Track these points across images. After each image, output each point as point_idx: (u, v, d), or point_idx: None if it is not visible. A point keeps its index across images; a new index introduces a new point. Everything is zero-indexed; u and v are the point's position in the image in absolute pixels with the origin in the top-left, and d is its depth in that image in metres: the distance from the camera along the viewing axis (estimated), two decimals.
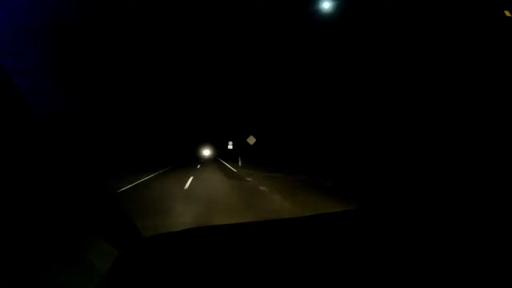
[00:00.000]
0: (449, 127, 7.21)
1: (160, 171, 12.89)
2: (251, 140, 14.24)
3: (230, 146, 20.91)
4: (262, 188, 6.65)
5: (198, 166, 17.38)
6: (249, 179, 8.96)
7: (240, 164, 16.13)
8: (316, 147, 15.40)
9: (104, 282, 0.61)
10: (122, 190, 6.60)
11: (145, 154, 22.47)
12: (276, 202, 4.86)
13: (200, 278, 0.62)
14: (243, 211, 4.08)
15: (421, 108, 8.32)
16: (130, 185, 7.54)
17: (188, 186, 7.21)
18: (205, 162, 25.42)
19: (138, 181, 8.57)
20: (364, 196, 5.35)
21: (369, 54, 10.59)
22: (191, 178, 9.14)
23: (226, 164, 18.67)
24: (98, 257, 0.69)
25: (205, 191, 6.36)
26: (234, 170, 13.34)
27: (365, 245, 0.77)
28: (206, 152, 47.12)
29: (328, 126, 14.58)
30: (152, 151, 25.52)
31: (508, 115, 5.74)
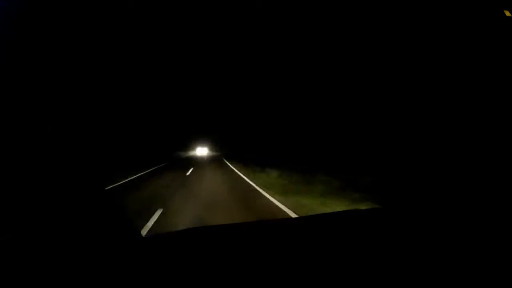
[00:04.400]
0: (449, 127, 7.21)
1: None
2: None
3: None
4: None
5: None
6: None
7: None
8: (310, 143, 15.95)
9: (104, 282, 0.61)
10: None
11: (137, 151, 21.94)
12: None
13: (199, 278, 0.62)
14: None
15: (419, 107, 8.32)
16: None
17: None
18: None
19: None
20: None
21: (366, 55, 10.57)
22: None
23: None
24: (98, 256, 0.68)
25: None
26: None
27: (365, 245, 0.77)
28: (202, 150, 36.35)
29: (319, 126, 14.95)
30: (144, 147, 24.89)
31: (509, 115, 5.74)
